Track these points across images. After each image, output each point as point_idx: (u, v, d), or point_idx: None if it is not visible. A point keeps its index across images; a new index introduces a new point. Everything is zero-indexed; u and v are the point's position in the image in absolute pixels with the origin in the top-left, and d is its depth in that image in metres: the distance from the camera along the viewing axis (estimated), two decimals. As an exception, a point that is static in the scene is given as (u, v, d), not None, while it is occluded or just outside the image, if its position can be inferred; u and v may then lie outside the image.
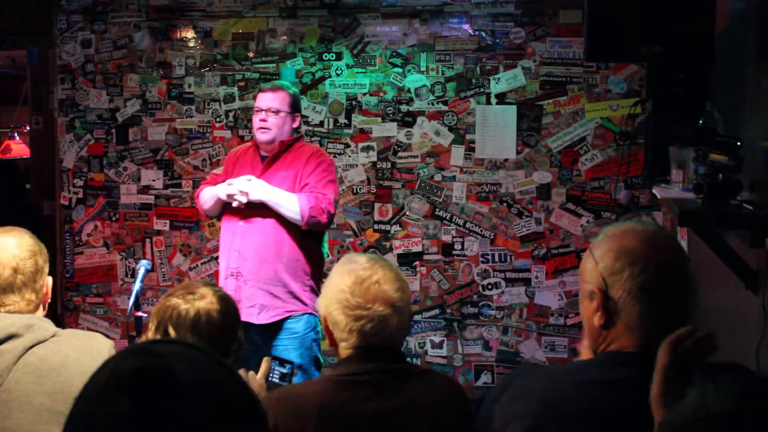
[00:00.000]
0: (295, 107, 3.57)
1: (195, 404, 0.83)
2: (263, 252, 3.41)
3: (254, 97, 3.71)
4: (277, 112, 3.50)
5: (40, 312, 2.04)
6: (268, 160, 3.52)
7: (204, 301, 1.98)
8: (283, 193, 3.39)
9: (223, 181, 3.54)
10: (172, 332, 1.93)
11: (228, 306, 2.03)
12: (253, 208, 3.40)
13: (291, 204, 3.36)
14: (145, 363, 0.85)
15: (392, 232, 4.86)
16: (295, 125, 3.59)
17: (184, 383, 0.83)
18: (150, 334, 1.97)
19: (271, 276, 3.40)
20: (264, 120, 3.49)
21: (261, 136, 3.51)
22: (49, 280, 2.06)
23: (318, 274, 3.56)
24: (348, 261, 1.82)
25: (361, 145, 4.87)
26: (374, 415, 1.68)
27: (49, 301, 2.08)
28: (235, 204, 3.40)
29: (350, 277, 1.74)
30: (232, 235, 3.48)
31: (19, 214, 5.08)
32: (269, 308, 3.42)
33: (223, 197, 3.43)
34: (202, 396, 0.84)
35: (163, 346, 0.90)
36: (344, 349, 1.76)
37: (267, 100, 3.53)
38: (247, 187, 3.36)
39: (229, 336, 1.99)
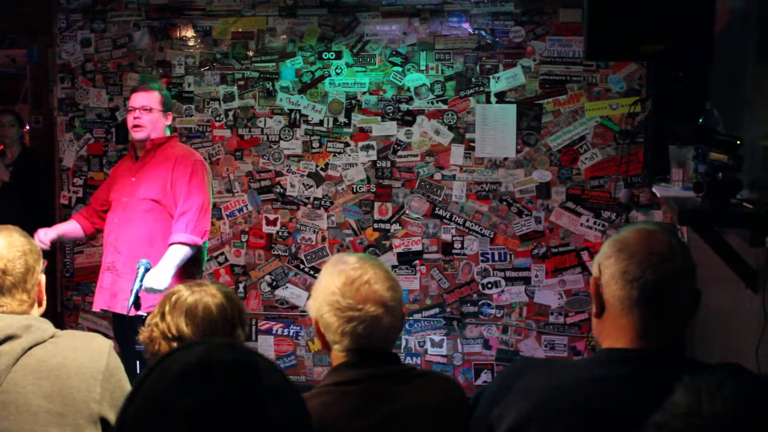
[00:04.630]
0: (166, 106, 3.72)
1: (275, 401, 0.88)
2: (135, 245, 3.53)
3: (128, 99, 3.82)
4: (150, 109, 3.64)
5: (36, 310, 2.02)
6: (140, 159, 3.68)
7: (207, 295, 1.98)
8: (173, 254, 3.44)
9: (105, 195, 3.77)
10: (167, 316, 1.94)
11: (231, 305, 2.02)
12: (127, 204, 3.59)
13: (184, 253, 3.47)
14: (238, 356, 0.90)
15: (392, 231, 4.86)
16: (168, 123, 3.72)
17: (267, 381, 0.89)
18: (157, 318, 1.97)
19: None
20: (138, 118, 3.63)
21: (135, 134, 3.65)
22: (42, 278, 2.04)
23: (194, 263, 3.60)
24: (337, 261, 1.77)
25: (360, 144, 4.87)
26: (375, 424, 1.66)
27: (44, 298, 2.06)
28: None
29: (340, 278, 1.70)
30: (109, 230, 3.65)
31: (32, 207, 5.08)
32: (143, 299, 3.30)
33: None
34: (279, 396, 0.90)
35: (244, 347, 0.96)
36: (337, 351, 1.73)
37: (139, 98, 3.66)
38: (156, 291, 3.29)
39: (224, 333, 1.99)
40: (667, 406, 0.95)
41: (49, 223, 5.06)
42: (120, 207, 3.62)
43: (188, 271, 3.54)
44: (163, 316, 1.96)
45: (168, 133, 3.73)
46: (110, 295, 3.58)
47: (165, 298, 2.01)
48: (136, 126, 3.62)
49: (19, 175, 5.21)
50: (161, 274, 3.34)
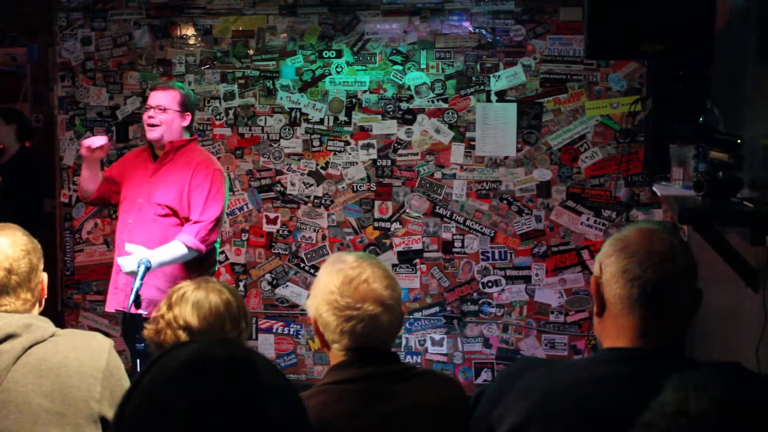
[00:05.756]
0: (185, 106, 3.63)
1: (274, 400, 0.87)
2: (148, 248, 3.42)
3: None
4: (164, 109, 3.57)
5: (37, 310, 2.02)
6: (159, 160, 3.62)
7: (212, 291, 2.01)
8: (172, 249, 3.39)
9: (109, 175, 3.76)
10: (174, 307, 1.96)
11: (236, 301, 2.05)
12: (142, 206, 3.55)
13: (183, 252, 3.41)
14: (234, 352, 0.89)
15: (392, 229, 4.86)
16: (185, 124, 3.63)
17: (265, 379, 0.88)
18: (163, 309, 1.99)
19: (156, 271, 3.35)
20: (152, 117, 3.57)
21: (149, 134, 3.59)
22: (44, 276, 2.05)
23: (207, 266, 3.60)
24: (336, 261, 1.77)
25: (361, 142, 4.87)
26: (375, 424, 1.66)
27: (45, 297, 2.07)
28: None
29: (339, 277, 1.70)
30: (122, 231, 3.61)
31: (24, 208, 5.07)
32: (155, 302, 3.31)
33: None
34: (278, 395, 0.88)
35: (240, 344, 0.94)
36: (336, 350, 1.73)
37: (156, 97, 3.61)
38: (125, 270, 3.29)
39: (231, 327, 2.00)
40: (655, 405, 0.95)
41: (40, 225, 5.07)
42: (135, 208, 3.58)
43: (201, 275, 3.52)
44: (169, 308, 1.99)
45: (188, 135, 3.67)
46: (125, 296, 3.54)
47: (171, 292, 2.03)
48: (150, 125, 3.58)
49: (12, 175, 5.20)
50: (135, 258, 3.23)
